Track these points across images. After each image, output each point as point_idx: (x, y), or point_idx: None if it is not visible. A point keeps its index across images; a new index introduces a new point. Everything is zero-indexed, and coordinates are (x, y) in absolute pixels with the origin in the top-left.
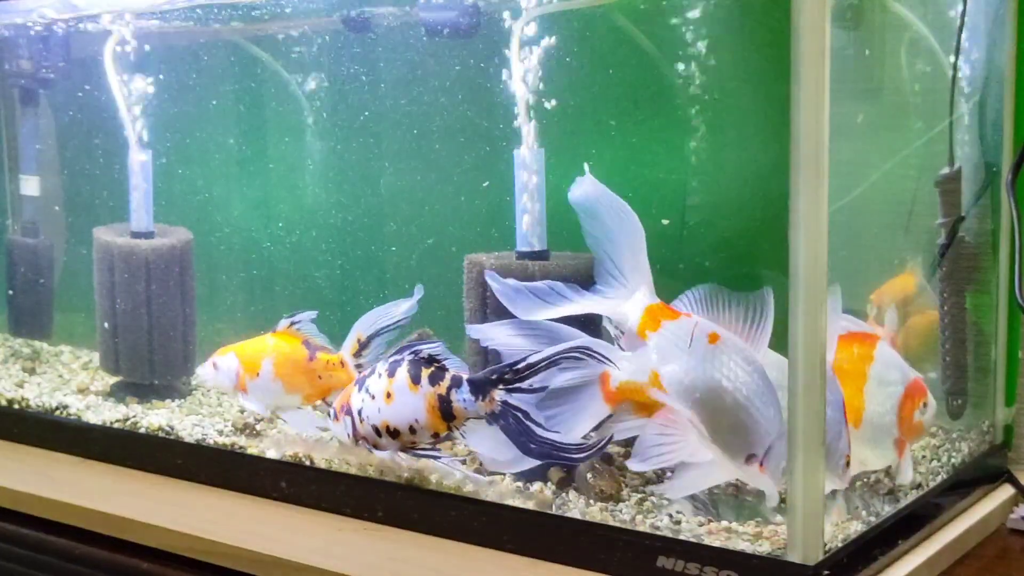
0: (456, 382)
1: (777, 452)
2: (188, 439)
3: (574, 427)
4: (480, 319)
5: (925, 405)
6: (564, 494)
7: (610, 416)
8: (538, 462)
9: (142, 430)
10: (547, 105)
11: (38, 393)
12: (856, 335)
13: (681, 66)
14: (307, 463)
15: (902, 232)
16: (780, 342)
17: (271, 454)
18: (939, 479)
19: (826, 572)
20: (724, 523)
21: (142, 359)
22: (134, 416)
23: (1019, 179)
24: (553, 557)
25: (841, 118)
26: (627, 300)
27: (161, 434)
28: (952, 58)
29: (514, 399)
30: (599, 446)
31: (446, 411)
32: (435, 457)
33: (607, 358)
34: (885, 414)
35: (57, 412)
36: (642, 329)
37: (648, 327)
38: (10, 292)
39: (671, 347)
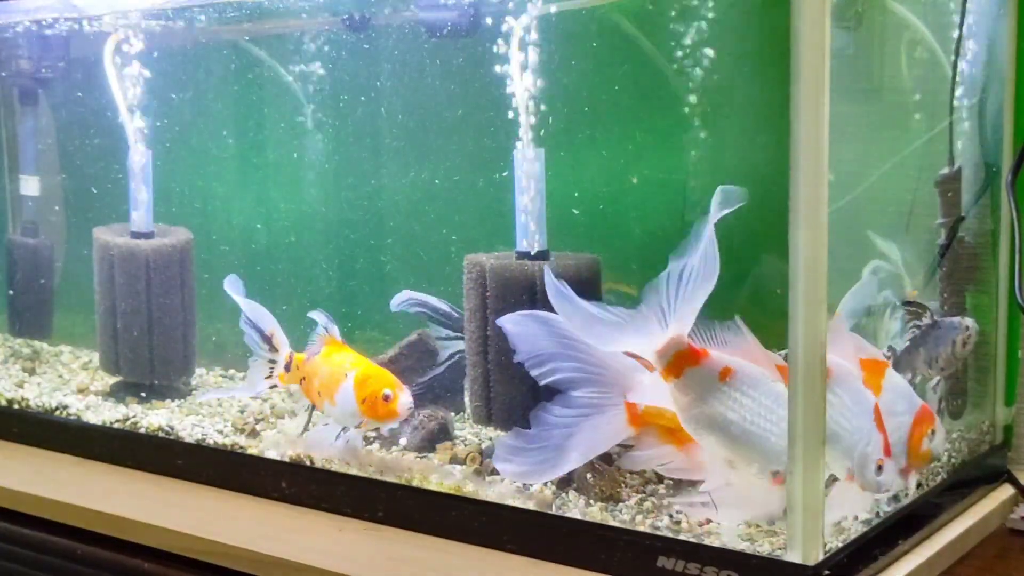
0: None
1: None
2: (188, 439)
3: (595, 445)
4: (480, 319)
5: (933, 432)
6: (564, 494)
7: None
8: None
9: (142, 430)
10: (547, 105)
11: (38, 393)
12: (866, 363)
13: (680, 65)
14: (307, 463)
15: (902, 232)
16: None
17: (271, 454)
18: (939, 479)
19: (826, 572)
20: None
21: (142, 359)
22: (134, 416)
23: (1019, 179)
24: (553, 557)
25: (841, 118)
26: (658, 338)
27: (161, 434)
28: (952, 58)
29: None
30: None
31: None
32: None
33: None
34: (894, 445)
35: (57, 412)
36: (667, 376)
37: (672, 375)
38: (10, 292)
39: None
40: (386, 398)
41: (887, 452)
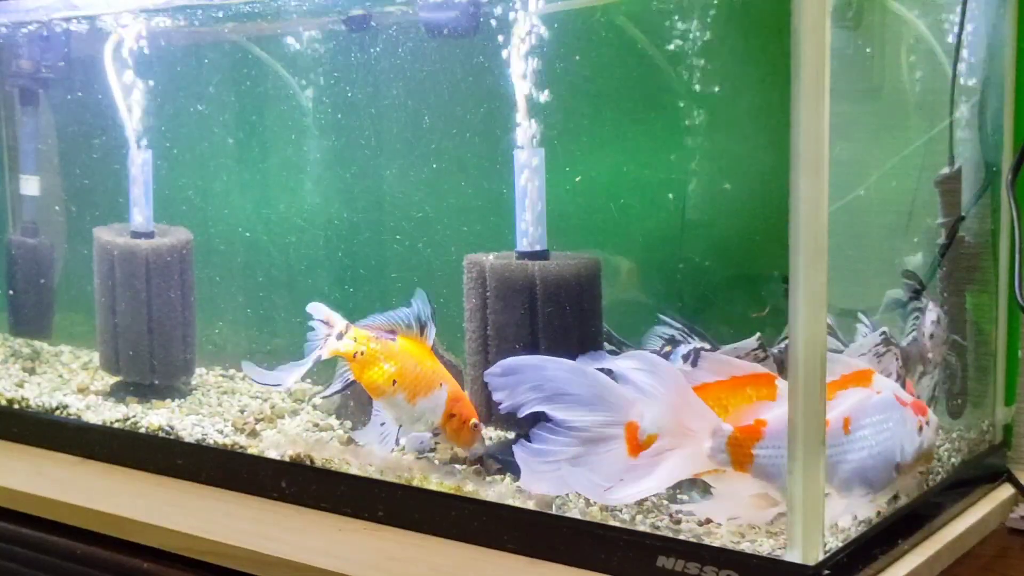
0: None
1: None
2: (188, 439)
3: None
4: (480, 319)
5: (927, 423)
6: (564, 494)
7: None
8: None
9: (142, 430)
10: (548, 105)
11: (38, 393)
12: (849, 378)
13: (681, 65)
14: (307, 463)
15: (902, 232)
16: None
17: (271, 454)
18: (939, 479)
19: (826, 572)
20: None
21: (142, 359)
22: (134, 416)
23: (1019, 179)
24: (553, 557)
25: (841, 118)
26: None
27: (161, 434)
28: (952, 58)
29: None
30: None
31: None
32: None
33: None
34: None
35: (57, 412)
36: (740, 468)
37: (743, 462)
38: (10, 292)
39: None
40: (475, 427)
41: (923, 412)
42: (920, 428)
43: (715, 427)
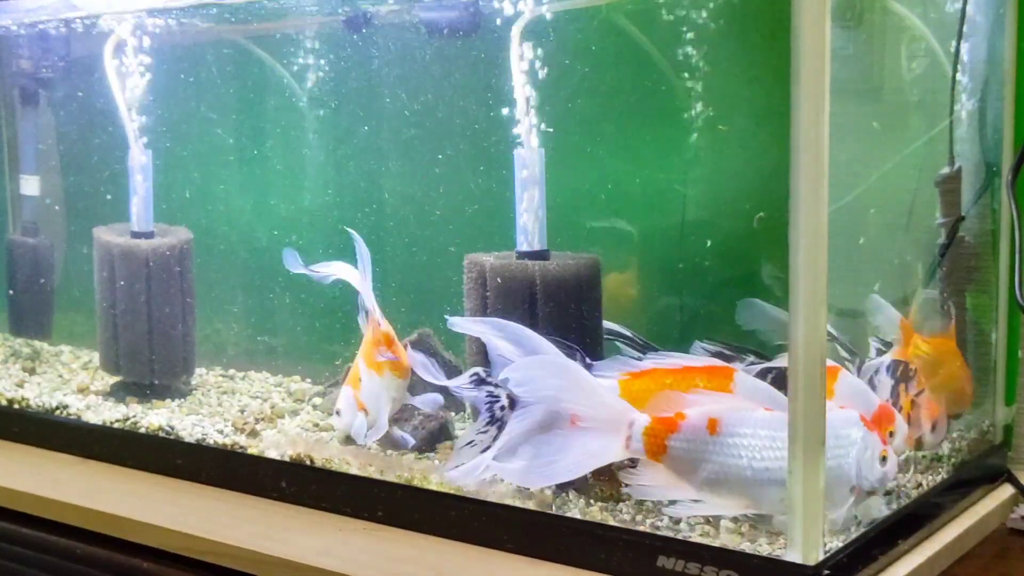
0: None
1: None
2: (188, 439)
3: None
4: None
5: (892, 434)
6: (564, 494)
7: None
8: None
9: (142, 430)
10: (548, 105)
11: (38, 393)
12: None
13: (681, 66)
14: (307, 463)
15: (902, 232)
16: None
17: (271, 454)
18: (939, 479)
19: (826, 572)
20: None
21: (142, 359)
22: (134, 416)
23: (1019, 179)
24: (553, 557)
25: (841, 118)
26: (618, 430)
27: (161, 434)
28: (952, 58)
29: None
30: None
31: None
32: None
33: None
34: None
35: (57, 412)
36: (654, 457)
37: (657, 452)
38: (10, 292)
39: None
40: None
41: (884, 441)
42: (884, 457)
43: (631, 418)
